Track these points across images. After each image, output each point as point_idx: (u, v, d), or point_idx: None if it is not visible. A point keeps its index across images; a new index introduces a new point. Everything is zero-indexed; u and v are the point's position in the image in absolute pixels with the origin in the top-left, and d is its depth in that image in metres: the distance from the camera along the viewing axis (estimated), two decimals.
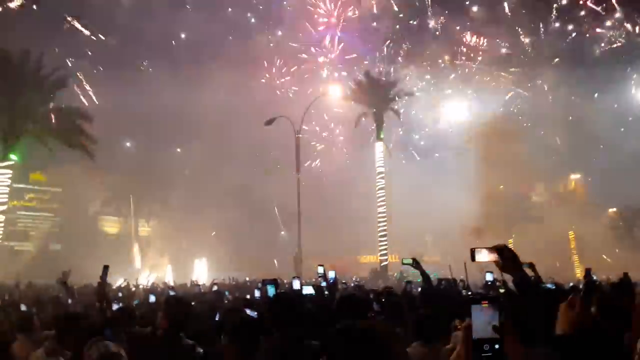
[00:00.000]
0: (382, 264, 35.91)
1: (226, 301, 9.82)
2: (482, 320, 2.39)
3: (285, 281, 15.15)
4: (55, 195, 44.95)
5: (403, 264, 6.07)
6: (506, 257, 3.06)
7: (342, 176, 49.76)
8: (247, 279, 26.51)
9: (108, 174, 41.12)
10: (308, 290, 7.93)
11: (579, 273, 33.30)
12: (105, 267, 5.36)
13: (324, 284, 7.97)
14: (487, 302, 2.34)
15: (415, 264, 5.98)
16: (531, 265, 6.07)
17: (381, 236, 37.51)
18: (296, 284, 8.11)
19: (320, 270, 9.55)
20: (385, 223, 37.60)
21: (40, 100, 28.06)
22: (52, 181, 43.93)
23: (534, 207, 49.74)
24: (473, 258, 3.22)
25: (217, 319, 6.41)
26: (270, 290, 8.09)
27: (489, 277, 9.98)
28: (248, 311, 5.24)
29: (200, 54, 53.72)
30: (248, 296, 9.18)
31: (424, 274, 5.99)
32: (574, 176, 53.69)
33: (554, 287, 8.55)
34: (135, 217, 45.52)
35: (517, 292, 3.19)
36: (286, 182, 36.26)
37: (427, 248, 48.25)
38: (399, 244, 42.03)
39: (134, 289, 19.32)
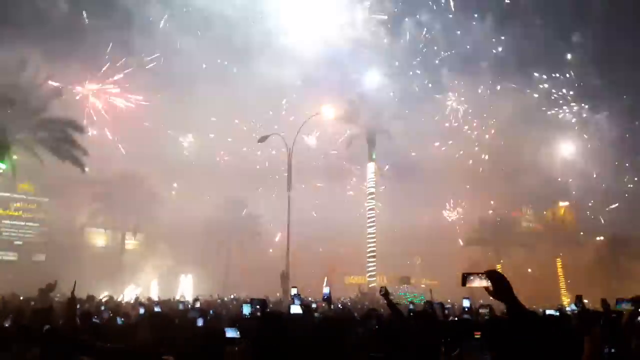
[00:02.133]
0: (370, 285, 35.69)
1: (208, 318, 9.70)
2: (475, 353, 2.36)
3: (271, 299, 15.03)
4: (42, 205, 44.48)
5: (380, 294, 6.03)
6: (497, 283, 2.99)
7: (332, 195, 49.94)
8: (233, 296, 26.23)
9: (97, 186, 40.83)
10: (296, 309, 7.82)
11: (566, 301, 33.37)
12: (74, 283, 5.40)
13: (296, 306, 7.85)
14: (479, 333, 2.31)
15: (385, 294, 5.90)
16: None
17: (370, 257, 37.37)
18: (295, 309, 7.90)
19: (294, 291, 9.56)
20: (374, 243, 37.50)
21: (33, 110, 27.90)
22: (41, 191, 43.51)
23: (523, 233, 49.99)
24: (464, 283, 3.15)
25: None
26: (245, 309, 8.00)
27: (465, 303, 10.06)
28: (229, 331, 5.17)
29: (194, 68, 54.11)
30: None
31: (392, 307, 5.91)
32: (563, 204, 54.12)
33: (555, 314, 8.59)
34: (122, 231, 45.01)
35: (509, 319, 3.11)
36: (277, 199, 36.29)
37: (415, 270, 48.22)
38: (387, 266, 41.97)
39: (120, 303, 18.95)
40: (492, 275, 2.98)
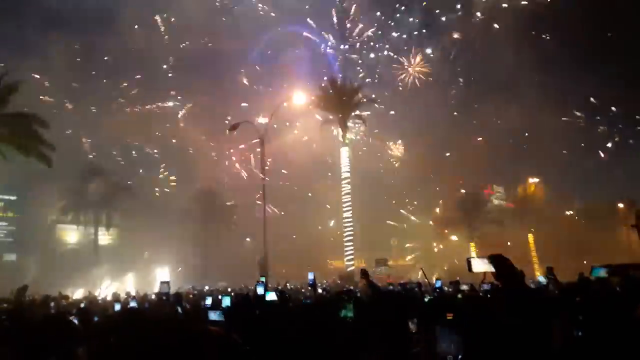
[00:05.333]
0: (348, 269, 36.00)
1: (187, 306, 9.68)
2: (446, 337, 2.46)
3: (250, 287, 15.02)
4: (9, 203, 43.27)
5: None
6: (498, 266, 3.26)
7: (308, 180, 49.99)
8: (207, 288, 26.14)
9: (66, 181, 39.86)
10: (272, 297, 7.93)
11: (539, 273, 34.22)
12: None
13: (271, 293, 8.02)
14: (451, 314, 2.44)
15: (364, 275, 6.07)
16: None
17: (347, 241, 37.64)
18: (260, 290, 8.15)
19: (263, 280, 9.78)
20: (351, 228, 37.75)
21: None
22: (7, 189, 42.25)
23: (494, 211, 50.99)
24: (470, 268, 3.40)
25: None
26: (225, 301, 8.12)
27: (437, 284, 10.49)
28: (212, 313, 5.16)
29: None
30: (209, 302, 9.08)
31: (372, 285, 6.09)
32: (533, 180, 55.33)
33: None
34: (95, 226, 44.04)
35: (509, 297, 3.31)
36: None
37: (392, 252, 48.77)
38: (365, 249, 42.38)
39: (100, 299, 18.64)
40: (494, 259, 3.23)
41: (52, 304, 11.63)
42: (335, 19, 57.93)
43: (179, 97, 55.39)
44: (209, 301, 8.87)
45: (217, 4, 56.38)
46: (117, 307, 9.77)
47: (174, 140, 53.46)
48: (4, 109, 27.60)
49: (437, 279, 11.01)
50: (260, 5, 56.81)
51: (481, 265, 3.27)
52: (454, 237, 48.23)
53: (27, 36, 44.73)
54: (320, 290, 13.73)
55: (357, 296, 8.16)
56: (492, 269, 3.21)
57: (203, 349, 4.41)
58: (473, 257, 3.30)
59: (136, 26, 49.91)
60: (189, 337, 4.85)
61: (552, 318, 3.33)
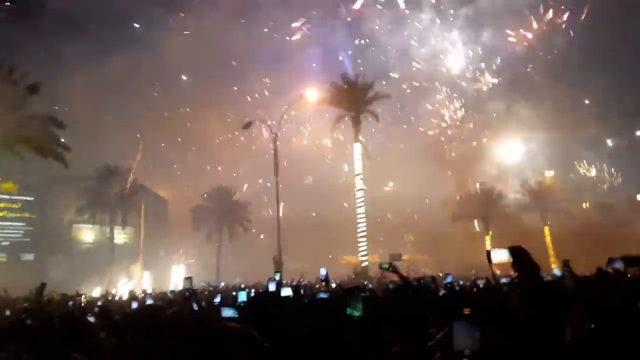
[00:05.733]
0: (362, 265, 35.95)
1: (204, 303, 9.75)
2: (464, 331, 2.46)
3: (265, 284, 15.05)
4: (26, 204, 43.91)
5: (380, 268, 6.16)
6: (516, 258, 3.33)
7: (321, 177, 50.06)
8: (222, 284, 26.35)
9: (82, 182, 40.37)
10: (287, 292, 7.98)
11: (555, 266, 33.84)
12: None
13: (286, 288, 8.10)
14: (469, 309, 2.45)
15: (392, 269, 5.97)
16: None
17: (361, 236, 37.56)
18: (273, 286, 8.23)
19: (277, 277, 9.90)
20: (364, 223, 37.65)
21: (11, 108, 27.30)
22: (24, 190, 42.90)
23: (509, 204, 50.55)
24: (489, 259, 3.51)
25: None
26: (240, 296, 8.19)
27: (448, 279, 10.41)
28: (225, 310, 5.17)
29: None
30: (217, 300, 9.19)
31: (402, 278, 6.02)
32: (549, 173, 54.74)
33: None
34: (110, 225, 44.57)
35: (526, 291, 3.37)
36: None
37: (407, 247, 48.67)
38: (380, 244, 42.36)
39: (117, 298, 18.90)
40: (513, 251, 3.31)
41: (71, 302, 11.79)
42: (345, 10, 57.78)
43: (193, 99, 55.85)
44: (217, 299, 8.96)
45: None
46: (135, 304, 9.88)
47: (189, 141, 53.93)
48: (23, 111, 28.02)
49: (446, 274, 10.94)
50: (269, 21, 56.96)
51: (500, 257, 3.35)
52: (476, 230, 47.94)
53: (49, 41, 45.43)
54: (334, 286, 13.76)
55: (370, 290, 8.13)
56: (511, 261, 3.27)
57: (226, 346, 4.41)
58: (492, 249, 3.38)
59: (149, 31, 50.40)
60: (211, 333, 4.87)
61: (567, 310, 3.33)
